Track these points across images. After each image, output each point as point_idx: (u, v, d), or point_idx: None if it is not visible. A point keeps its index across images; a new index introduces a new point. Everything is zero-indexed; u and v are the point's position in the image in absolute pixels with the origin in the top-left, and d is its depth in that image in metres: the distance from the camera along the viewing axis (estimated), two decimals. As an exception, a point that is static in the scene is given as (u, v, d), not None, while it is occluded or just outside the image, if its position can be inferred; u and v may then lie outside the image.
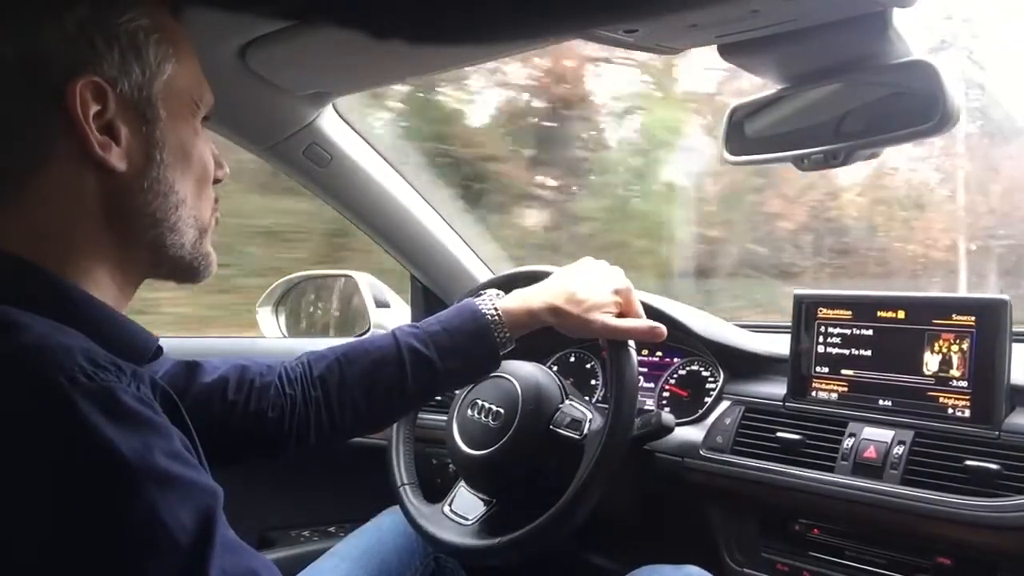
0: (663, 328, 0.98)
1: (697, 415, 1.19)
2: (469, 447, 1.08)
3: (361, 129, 1.32)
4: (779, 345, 1.20)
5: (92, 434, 0.46)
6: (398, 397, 0.93)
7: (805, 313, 1.13)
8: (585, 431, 1.01)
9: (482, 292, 1.01)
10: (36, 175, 0.57)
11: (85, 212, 0.59)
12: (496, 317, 0.94)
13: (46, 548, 0.45)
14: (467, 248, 1.53)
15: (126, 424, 0.48)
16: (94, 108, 0.57)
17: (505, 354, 0.95)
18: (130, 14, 0.58)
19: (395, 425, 1.17)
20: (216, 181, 0.70)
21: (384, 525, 1.19)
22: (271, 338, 1.70)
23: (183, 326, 2.50)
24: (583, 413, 1.04)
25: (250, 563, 0.52)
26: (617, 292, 0.97)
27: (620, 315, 0.98)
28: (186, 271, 0.67)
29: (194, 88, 0.65)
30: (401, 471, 1.15)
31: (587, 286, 0.96)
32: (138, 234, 0.62)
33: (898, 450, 0.98)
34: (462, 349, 0.94)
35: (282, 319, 1.74)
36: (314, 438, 0.92)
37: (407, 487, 1.14)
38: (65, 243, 0.58)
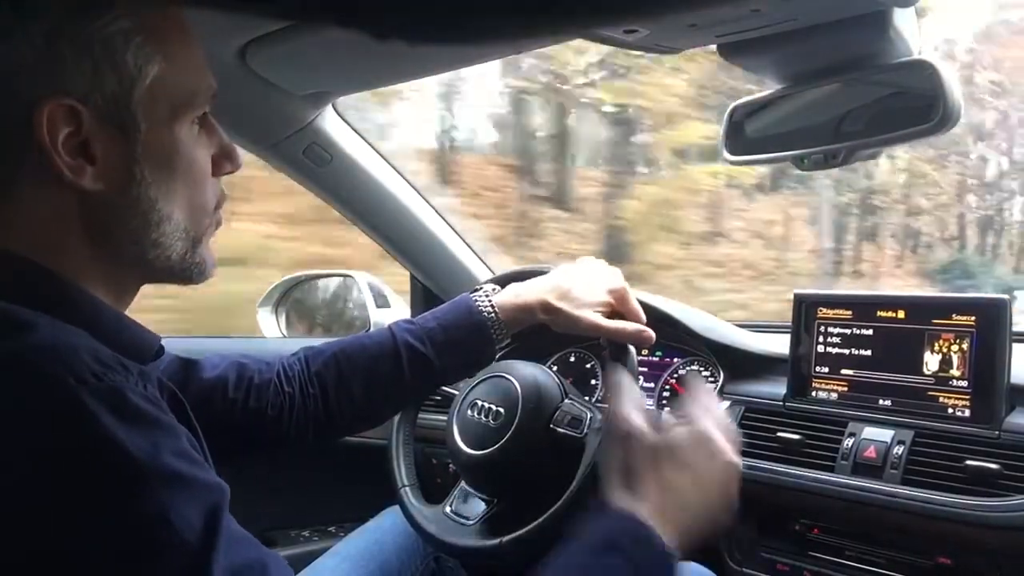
0: (651, 333, 0.95)
1: (697, 415, 1.19)
2: (470, 447, 1.08)
3: (361, 129, 1.32)
4: (779, 345, 1.20)
5: (101, 434, 0.46)
6: (395, 392, 0.94)
7: (805, 313, 1.13)
8: (585, 429, 1.01)
9: (478, 288, 1.01)
10: (20, 189, 0.56)
11: (68, 229, 0.57)
12: (491, 312, 0.95)
13: (54, 547, 0.45)
14: (467, 248, 1.53)
15: (135, 424, 0.48)
16: (65, 131, 0.53)
17: (503, 351, 0.95)
18: (106, 17, 0.54)
19: (395, 427, 1.17)
20: (228, 172, 0.68)
21: (384, 525, 1.19)
22: (271, 338, 1.70)
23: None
24: (583, 411, 1.04)
25: (257, 554, 0.52)
26: (611, 292, 0.96)
27: (613, 314, 0.97)
28: (177, 277, 0.65)
29: (188, 84, 0.60)
30: (402, 473, 1.15)
31: (581, 284, 0.96)
32: (121, 250, 0.60)
33: (898, 450, 0.98)
34: (458, 344, 0.94)
35: (282, 319, 1.73)
36: (312, 434, 0.92)
37: (408, 489, 1.14)
38: (55, 255, 0.57)
